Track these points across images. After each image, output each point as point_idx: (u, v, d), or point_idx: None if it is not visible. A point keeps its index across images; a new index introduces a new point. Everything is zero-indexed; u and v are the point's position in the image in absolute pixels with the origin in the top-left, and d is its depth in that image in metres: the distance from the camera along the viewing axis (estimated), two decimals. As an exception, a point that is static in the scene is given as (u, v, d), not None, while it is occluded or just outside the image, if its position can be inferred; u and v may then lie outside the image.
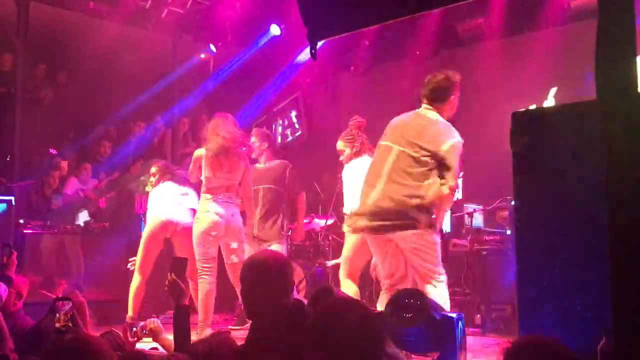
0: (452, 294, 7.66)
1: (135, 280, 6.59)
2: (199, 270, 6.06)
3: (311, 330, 2.23)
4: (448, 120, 4.87)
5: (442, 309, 3.57)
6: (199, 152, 6.30)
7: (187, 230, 6.37)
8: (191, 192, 6.86)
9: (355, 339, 2.13)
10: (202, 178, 6.25)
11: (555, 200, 3.25)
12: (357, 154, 6.29)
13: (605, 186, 2.50)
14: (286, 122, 11.22)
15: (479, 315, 7.33)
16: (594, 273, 3.03)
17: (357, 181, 5.29)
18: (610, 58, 2.56)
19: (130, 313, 6.46)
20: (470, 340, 6.21)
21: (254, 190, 6.77)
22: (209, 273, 6.06)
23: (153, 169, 7.02)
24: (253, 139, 7.22)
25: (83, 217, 8.94)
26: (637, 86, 2.55)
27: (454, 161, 4.61)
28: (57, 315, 3.50)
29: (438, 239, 4.67)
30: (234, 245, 6.18)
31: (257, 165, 7.19)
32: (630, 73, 2.53)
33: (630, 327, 2.40)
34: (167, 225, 6.63)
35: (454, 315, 3.49)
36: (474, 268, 7.51)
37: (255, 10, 9.20)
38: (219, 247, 6.20)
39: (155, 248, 6.66)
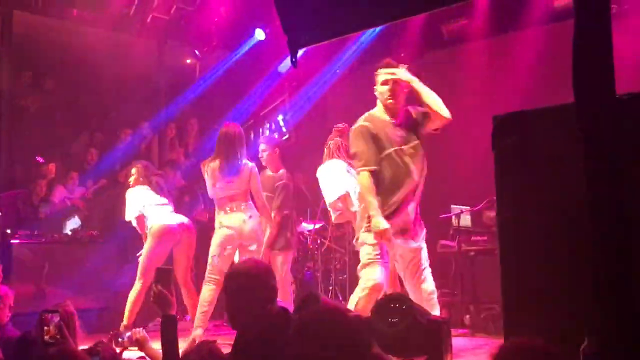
0: (440, 295, 7.71)
1: (136, 288, 6.61)
2: (205, 277, 6.20)
3: (294, 339, 2.23)
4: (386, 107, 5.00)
5: (428, 313, 3.58)
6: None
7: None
8: (168, 205, 6.89)
9: (338, 347, 2.13)
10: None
11: (538, 202, 3.26)
12: (329, 156, 6.48)
13: (585, 189, 2.52)
14: (273, 126, 11.21)
15: (468, 316, 7.36)
16: (578, 274, 3.05)
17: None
18: (587, 60, 2.58)
19: (125, 322, 6.37)
20: (459, 341, 6.25)
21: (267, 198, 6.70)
22: (213, 283, 6.15)
23: (133, 170, 7.04)
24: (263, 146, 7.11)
25: (71, 225, 8.91)
26: (613, 88, 2.58)
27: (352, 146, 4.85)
28: (46, 327, 3.49)
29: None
30: (253, 247, 6.27)
31: (267, 172, 7.10)
32: (607, 75, 2.55)
33: (611, 329, 2.42)
34: (177, 231, 6.75)
35: (439, 319, 3.50)
36: (462, 269, 7.54)
37: (240, 14, 9.21)
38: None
39: (162, 256, 6.75)
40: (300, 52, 8.38)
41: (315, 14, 2.99)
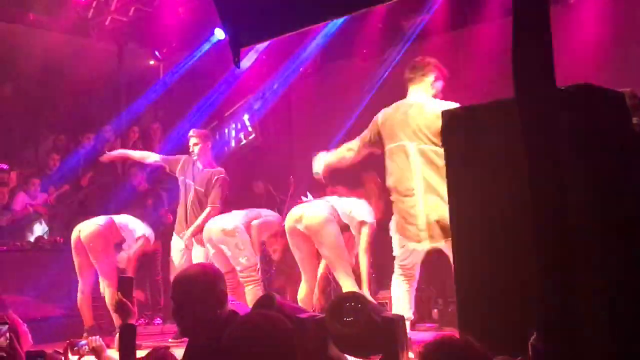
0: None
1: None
2: None
3: (223, 357, 2.20)
4: None
5: (382, 310, 3.56)
6: None
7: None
8: None
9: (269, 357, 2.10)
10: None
11: (487, 197, 3.27)
12: None
13: (529, 183, 2.51)
14: (239, 126, 11.15)
15: (435, 310, 7.37)
16: (527, 268, 3.05)
17: None
18: (527, 54, 2.57)
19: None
20: (427, 335, 6.26)
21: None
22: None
23: None
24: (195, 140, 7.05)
25: (37, 231, 8.80)
26: (553, 80, 2.56)
27: None
28: None
29: None
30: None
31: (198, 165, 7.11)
32: (547, 66, 2.54)
33: (557, 322, 2.42)
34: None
35: (394, 316, 3.48)
36: (428, 263, 7.52)
37: (199, 15, 9.12)
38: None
39: None
40: (258, 50, 8.30)
41: (255, 14, 2.95)
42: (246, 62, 9.14)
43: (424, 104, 4.83)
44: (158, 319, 8.48)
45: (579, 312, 2.37)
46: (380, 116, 4.96)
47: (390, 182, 4.91)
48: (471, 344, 2.00)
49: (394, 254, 5.01)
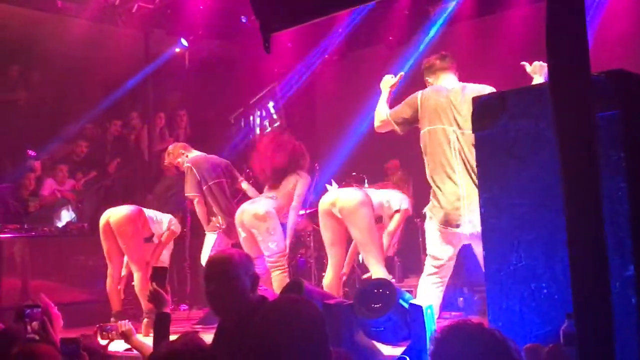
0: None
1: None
2: None
3: (258, 324, 2.21)
4: None
5: (410, 297, 3.56)
6: None
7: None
8: None
9: (292, 344, 2.11)
10: None
11: (518, 183, 3.25)
12: None
13: (560, 172, 2.49)
14: (264, 113, 11.17)
15: (461, 298, 7.34)
16: (558, 255, 3.03)
17: None
18: (561, 39, 2.54)
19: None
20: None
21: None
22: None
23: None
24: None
25: (65, 217, 8.89)
26: (588, 67, 2.54)
27: None
28: (28, 323, 3.46)
29: None
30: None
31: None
32: (582, 54, 2.51)
33: (589, 310, 2.40)
34: None
35: (422, 303, 3.48)
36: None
37: (225, 2, 9.13)
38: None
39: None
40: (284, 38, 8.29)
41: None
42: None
43: (462, 89, 4.81)
44: (184, 305, 8.55)
45: (611, 300, 2.35)
46: (419, 96, 4.93)
47: (429, 165, 4.87)
48: (486, 328, 1.99)
49: (427, 251, 4.96)
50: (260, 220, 6.32)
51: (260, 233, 6.34)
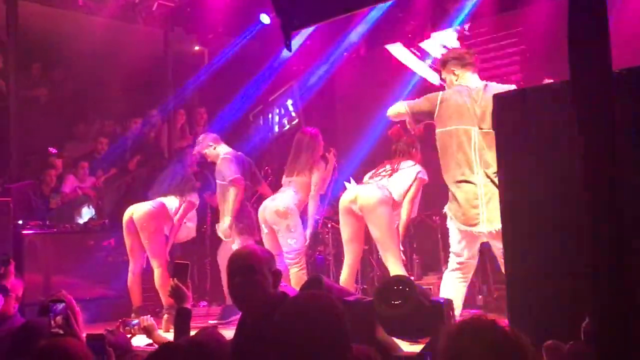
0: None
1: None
2: None
3: (279, 319, 2.22)
4: None
5: (430, 295, 3.57)
6: None
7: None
8: None
9: (314, 339, 2.12)
10: None
11: (540, 180, 3.24)
12: None
13: (582, 166, 2.49)
14: (282, 111, 11.19)
15: (480, 296, 7.33)
16: (580, 252, 3.02)
17: None
18: (582, 35, 2.54)
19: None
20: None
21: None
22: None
23: None
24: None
25: (86, 214, 8.96)
26: (610, 64, 2.53)
27: None
28: (55, 317, 3.51)
29: None
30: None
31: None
32: (603, 49, 2.50)
33: (610, 307, 2.40)
34: None
35: (442, 300, 3.49)
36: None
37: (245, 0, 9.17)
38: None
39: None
40: (304, 36, 8.35)
41: (307, -5, 2.97)
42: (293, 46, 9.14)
43: (484, 87, 4.81)
44: (204, 301, 8.60)
45: (633, 298, 2.35)
46: (440, 95, 4.95)
47: (449, 165, 4.88)
48: (499, 325, 1.98)
49: (450, 248, 5.00)
50: (282, 217, 6.38)
51: (281, 230, 6.41)
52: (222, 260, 7.21)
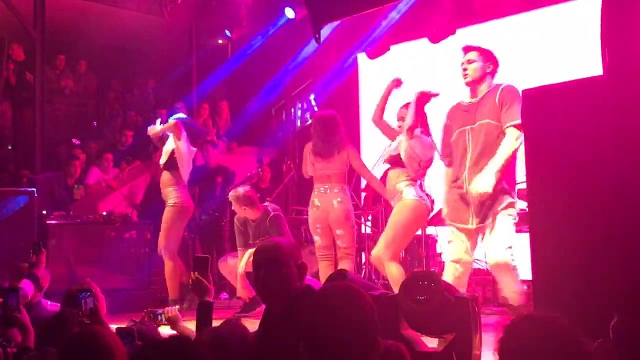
0: (475, 274, 7.65)
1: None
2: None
3: (308, 309, 2.22)
4: None
5: (456, 290, 3.55)
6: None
7: None
8: None
9: (352, 326, 2.12)
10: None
11: (568, 178, 3.22)
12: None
13: (615, 162, 2.47)
14: (305, 106, 11.18)
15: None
16: (609, 251, 3.00)
17: None
18: (616, 33, 2.52)
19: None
20: (493, 318, 6.22)
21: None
22: (324, 258, 6.48)
23: None
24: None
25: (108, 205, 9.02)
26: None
27: None
28: (82, 306, 3.53)
29: None
30: (339, 232, 6.38)
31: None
32: (637, 48, 2.48)
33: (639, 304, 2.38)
34: None
35: (467, 295, 3.47)
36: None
37: (270, -6, 9.19)
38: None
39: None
40: (327, 30, 8.31)
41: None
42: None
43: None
44: (224, 293, 8.64)
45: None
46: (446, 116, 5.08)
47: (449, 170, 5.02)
48: (560, 320, 1.98)
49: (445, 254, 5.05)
50: (348, 221, 6.40)
51: (346, 232, 6.39)
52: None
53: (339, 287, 2.29)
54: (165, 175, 7.22)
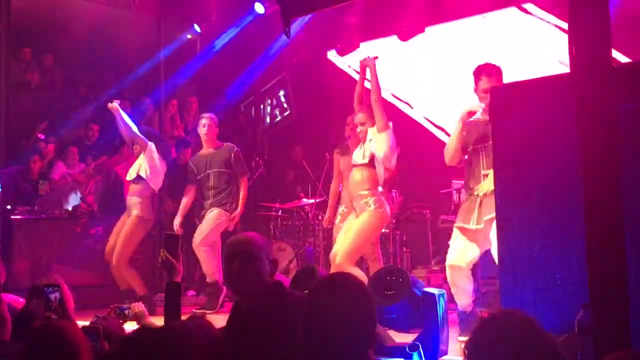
0: (441, 270, 7.70)
1: None
2: None
3: (308, 307, 2.25)
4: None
5: (423, 285, 3.57)
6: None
7: None
8: None
9: (351, 314, 2.16)
10: None
11: (533, 174, 3.25)
12: None
13: (579, 157, 2.49)
14: (274, 102, 11.17)
15: (469, 291, 7.34)
16: (572, 246, 3.04)
17: None
18: (582, 30, 2.54)
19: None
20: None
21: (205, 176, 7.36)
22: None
23: None
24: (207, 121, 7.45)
25: (73, 201, 8.90)
26: (610, 58, 2.53)
27: None
28: (49, 302, 3.48)
29: None
30: None
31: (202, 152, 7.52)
32: (604, 44, 2.51)
33: (605, 299, 2.41)
34: None
35: (435, 291, 3.49)
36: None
37: (239, -12, 9.14)
38: None
39: None
40: (297, 27, 8.28)
41: (308, -17, 2.96)
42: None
43: None
44: (192, 291, 8.59)
45: (627, 290, 2.36)
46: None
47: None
48: (530, 320, 2.01)
49: None
50: None
51: None
52: None
53: (338, 276, 2.34)
54: (133, 186, 7.31)
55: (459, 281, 4.75)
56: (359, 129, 5.93)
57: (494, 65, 5.02)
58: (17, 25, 8.93)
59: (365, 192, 5.76)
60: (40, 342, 2.47)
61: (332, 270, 5.77)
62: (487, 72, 4.96)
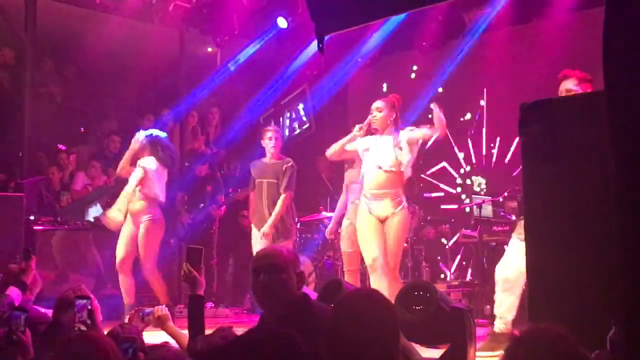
0: (461, 285, 7.70)
1: None
2: None
3: (333, 321, 2.26)
4: None
5: (451, 301, 3.57)
6: None
7: None
8: None
9: (376, 329, 2.17)
10: None
11: (564, 190, 3.25)
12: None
13: (613, 175, 2.49)
14: (293, 115, 11.20)
15: (488, 306, 7.32)
16: (604, 262, 3.03)
17: None
18: (618, 47, 2.55)
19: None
20: (479, 330, 6.24)
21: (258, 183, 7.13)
22: None
23: None
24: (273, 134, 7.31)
25: (93, 212, 8.96)
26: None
27: None
28: (79, 312, 3.50)
29: None
30: None
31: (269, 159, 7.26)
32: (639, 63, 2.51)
33: (638, 315, 2.40)
34: None
35: (463, 307, 3.49)
36: (483, 259, 7.52)
37: (262, 2, 9.18)
38: None
39: None
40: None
41: (342, 1, 3.00)
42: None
43: None
44: (210, 302, 8.62)
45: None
46: None
47: None
48: (565, 335, 2.01)
49: None
50: None
51: None
52: None
53: (363, 291, 2.36)
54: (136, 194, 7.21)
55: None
56: (375, 115, 5.88)
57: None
58: (42, 37, 9.04)
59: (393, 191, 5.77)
60: (73, 353, 2.50)
61: (377, 282, 5.68)
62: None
